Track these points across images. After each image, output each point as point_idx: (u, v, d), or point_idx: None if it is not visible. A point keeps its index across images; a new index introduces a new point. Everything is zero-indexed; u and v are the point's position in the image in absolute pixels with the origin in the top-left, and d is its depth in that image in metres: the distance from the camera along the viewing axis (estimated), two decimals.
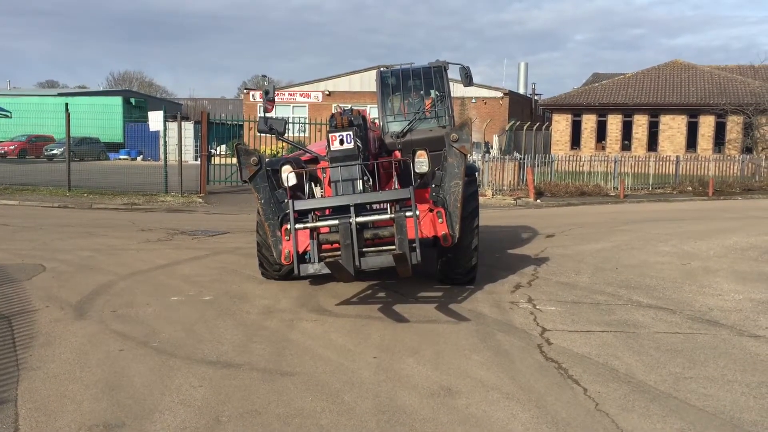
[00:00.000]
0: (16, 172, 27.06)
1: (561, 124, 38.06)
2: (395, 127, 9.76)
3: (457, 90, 43.45)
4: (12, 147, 44.10)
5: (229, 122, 26.91)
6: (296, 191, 7.62)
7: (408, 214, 6.90)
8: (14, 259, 9.91)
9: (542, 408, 4.78)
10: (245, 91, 44.73)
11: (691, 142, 36.25)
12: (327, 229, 7.07)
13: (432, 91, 10.11)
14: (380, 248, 7.01)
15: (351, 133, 7.41)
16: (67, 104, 21.19)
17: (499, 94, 43.22)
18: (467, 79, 10.15)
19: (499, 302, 7.79)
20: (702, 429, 4.48)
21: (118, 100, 49.44)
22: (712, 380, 5.40)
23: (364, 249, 6.95)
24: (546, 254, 11.17)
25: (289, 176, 7.66)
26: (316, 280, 8.57)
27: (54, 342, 6.15)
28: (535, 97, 51.78)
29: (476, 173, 9.04)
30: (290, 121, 29.52)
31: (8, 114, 38.64)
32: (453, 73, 10.46)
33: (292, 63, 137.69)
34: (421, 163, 8.27)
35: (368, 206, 7.27)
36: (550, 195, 22.06)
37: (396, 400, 4.88)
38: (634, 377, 5.43)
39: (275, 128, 8.81)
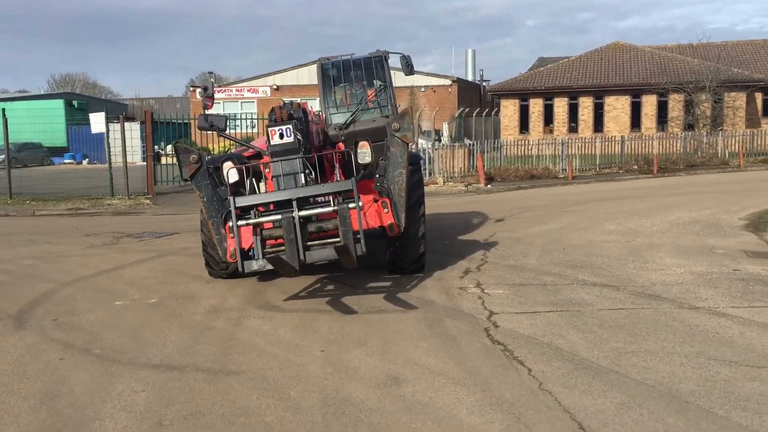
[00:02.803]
0: None
1: (509, 110, 38.44)
2: (338, 118, 9.71)
3: (406, 79, 43.57)
4: None
5: (175, 121, 26.44)
6: (239, 188, 7.52)
7: (351, 205, 6.88)
8: None
9: (487, 391, 4.82)
10: (191, 88, 44.05)
11: (635, 122, 36.99)
12: (270, 225, 7.01)
13: (374, 82, 10.08)
14: (325, 241, 6.97)
15: (291, 126, 7.33)
16: (3, 109, 20.48)
17: (448, 82, 43.47)
18: (408, 68, 10.12)
19: (447, 289, 7.82)
20: (641, 401, 4.56)
21: (59, 103, 48.19)
22: (653, 353, 5.51)
23: (309, 243, 6.90)
24: (495, 239, 11.27)
25: (230, 172, 7.56)
26: (265, 276, 8.48)
27: None
28: (484, 84, 52.16)
29: (420, 161, 9.05)
30: (239, 117, 29.24)
31: None
32: (396, 62, 10.44)
33: (242, 59, 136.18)
34: (364, 153, 8.26)
35: (312, 200, 7.23)
36: (500, 180, 22.27)
37: (342, 392, 4.86)
38: (577, 355, 5.51)
39: (216, 125, 8.71)
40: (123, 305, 7.55)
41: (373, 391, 4.87)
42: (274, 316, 6.92)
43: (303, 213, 6.87)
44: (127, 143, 20.18)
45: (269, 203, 7.13)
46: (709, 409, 4.42)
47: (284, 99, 8.84)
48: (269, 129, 7.37)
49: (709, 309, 6.78)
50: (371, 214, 7.63)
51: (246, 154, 8.80)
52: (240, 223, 6.83)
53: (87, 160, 42.06)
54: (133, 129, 29.74)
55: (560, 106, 37.77)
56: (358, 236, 6.81)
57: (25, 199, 19.75)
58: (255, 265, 6.76)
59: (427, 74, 43.45)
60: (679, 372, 5.09)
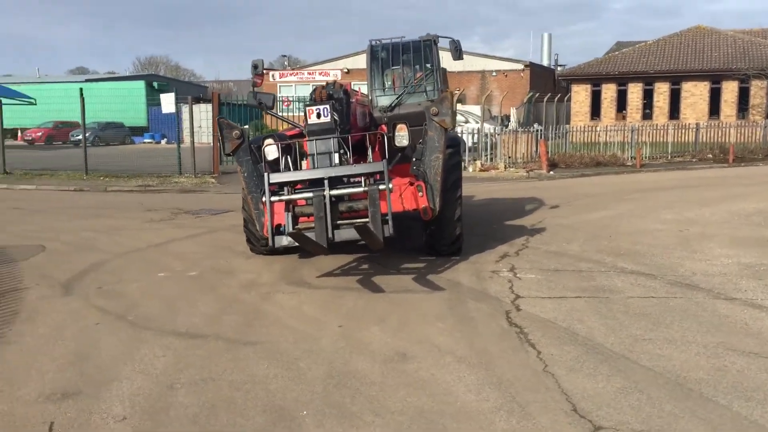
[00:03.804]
0: (40, 158, 27.70)
1: (580, 95, 37.55)
2: (384, 101, 9.81)
3: (476, 64, 43.18)
4: (39, 134, 45.10)
5: (242, 102, 27.01)
6: (278, 165, 7.72)
7: (381, 187, 6.97)
8: (17, 241, 10.19)
9: (491, 370, 4.86)
10: (265, 71, 44.85)
11: (714, 109, 35.55)
12: (304, 202, 7.19)
13: (423, 65, 10.11)
14: (354, 221, 7.09)
15: (328, 106, 7.46)
16: (81, 89, 21.41)
17: (520, 67, 42.85)
18: (456, 53, 10.13)
19: (479, 272, 7.83)
20: (643, 387, 4.51)
21: (141, 84, 49.94)
22: (671, 341, 5.42)
23: (339, 221, 7.04)
24: (543, 224, 11.16)
25: (267, 149, 7.77)
26: (305, 254, 8.68)
27: (35, 318, 6.37)
28: (559, 69, 51.12)
29: (460, 145, 9.05)
30: (300, 99, 29.62)
31: (33, 101, 39.30)
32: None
33: (320, 43, 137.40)
34: (402, 137, 8.34)
35: (346, 179, 7.36)
36: (564, 166, 21.88)
37: (349, 366, 4.99)
38: (592, 340, 5.47)
39: (264, 102, 8.98)
40: (165, 276, 7.88)
41: (378, 366, 4.97)
42: (303, 292, 7.10)
43: (334, 192, 7.02)
44: (202, 124, 20.74)
45: (305, 181, 7.31)
46: (712, 397, 4.34)
47: (328, 80, 8.94)
48: (307, 108, 7.52)
49: (744, 300, 6.59)
50: (407, 196, 7.72)
51: (290, 133, 9.02)
52: (273, 199, 7.03)
53: (165, 139, 43.48)
54: (203, 110, 30.63)
55: (634, 92, 36.65)
56: (387, 218, 6.90)
57: (100, 176, 20.63)
58: (285, 240, 6.97)
59: (499, 58, 42.92)
60: (693, 361, 4.99)
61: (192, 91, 41.67)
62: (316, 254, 7.88)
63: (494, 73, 42.46)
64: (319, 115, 7.44)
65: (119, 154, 30.41)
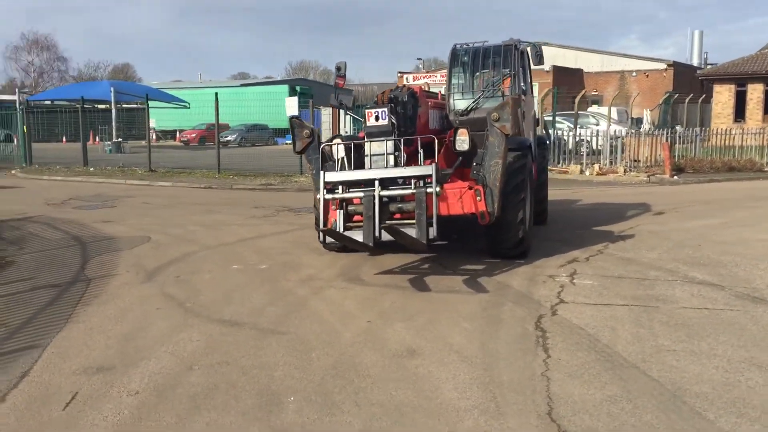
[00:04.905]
0: (187, 158, 29.88)
1: (723, 96, 35.20)
2: (461, 104, 9.91)
3: (617, 63, 41.66)
4: (193, 135, 48.59)
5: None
6: (344, 165, 8.06)
7: (429, 190, 7.15)
8: (132, 233, 11.20)
9: (489, 371, 4.92)
10: (398, 74, 45.69)
11: None
12: (359, 201, 7.50)
13: (503, 70, 10.10)
14: (402, 221, 7.31)
15: (386, 110, 7.72)
16: (216, 94, 22.96)
17: (662, 66, 40.83)
18: (537, 58, 10.12)
19: (535, 276, 7.78)
20: (634, 397, 4.42)
21: (284, 89, 52.37)
22: (695, 353, 5.21)
23: (389, 222, 7.28)
24: (633, 231, 10.78)
25: (336, 149, 8.13)
26: (375, 251, 8.94)
27: (110, 301, 7.08)
28: (707, 68, 48.19)
29: (529, 148, 8.98)
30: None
31: (186, 105, 42.39)
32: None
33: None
34: (462, 141, 8.46)
35: (400, 181, 7.58)
36: (691, 171, 20.74)
37: (356, 359, 5.23)
38: (611, 348, 5.36)
39: (344, 102, 9.39)
40: (237, 269, 8.44)
41: (383, 361, 5.17)
42: (352, 288, 7.39)
43: (384, 193, 7.28)
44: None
45: (362, 181, 7.61)
46: (701, 411, 4.19)
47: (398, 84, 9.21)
48: (366, 111, 7.82)
49: None
50: (466, 200, 7.83)
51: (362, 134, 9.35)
52: (327, 197, 7.40)
53: None
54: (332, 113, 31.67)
55: None
56: (431, 220, 7.06)
57: (230, 174, 22.01)
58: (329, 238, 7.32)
59: (640, 58, 41.16)
60: (705, 374, 4.80)
61: (339, 95, 43.06)
62: (359, 251, 8.19)
63: (634, 74, 40.79)
64: (377, 118, 7.73)
65: (255, 154, 32.14)
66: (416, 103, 8.49)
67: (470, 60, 10.20)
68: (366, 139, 7.80)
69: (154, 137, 50.88)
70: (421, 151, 7.80)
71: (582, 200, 15.23)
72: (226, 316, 6.46)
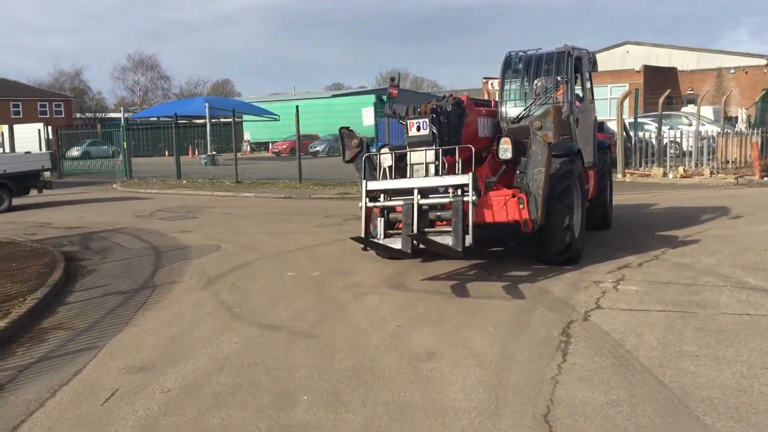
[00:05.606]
0: (273, 168, 30.85)
1: None
2: (513, 112, 9.96)
3: (713, 61, 40.04)
4: (284, 146, 50.02)
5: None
6: (391, 173, 8.29)
7: (466, 198, 7.29)
8: (204, 242, 11.82)
9: (500, 374, 5.03)
10: (483, 79, 45.49)
11: None
12: (400, 209, 7.72)
13: (556, 78, 10.07)
14: (440, 229, 7.49)
15: (427, 120, 7.91)
16: (297, 107, 23.74)
17: (763, 62, 38.90)
18: (590, 64, 10.07)
19: (579, 282, 7.76)
20: (638, 401, 4.44)
21: (371, 99, 53.04)
22: (716, 359, 5.15)
23: (427, 229, 7.47)
24: (699, 236, 10.48)
25: (383, 158, 8.37)
26: (427, 258, 9.13)
27: (169, 306, 7.59)
28: None
29: (577, 154, 8.91)
30: None
31: (276, 117, 43.78)
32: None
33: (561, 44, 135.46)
34: (504, 149, 8.53)
35: (441, 190, 7.75)
36: None
37: (376, 361, 5.44)
38: (631, 354, 5.36)
39: (398, 112, 9.63)
40: (291, 276, 8.82)
41: (400, 364, 5.37)
42: (393, 294, 7.60)
43: (423, 201, 7.47)
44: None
45: (405, 190, 7.82)
46: (701, 416, 4.18)
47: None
48: (408, 121, 8.03)
49: None
50: (510, 208, 7.92)
51: None
52: (369, 204, 7.67)
53: None
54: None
55: None
56: (468, 228, 7.19)
57: (310, 184, 22.65)
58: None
59: (739, 54, 39.41)
60: (719, 379, 4.75)
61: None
62: (399, 258, 8.40)
63: (732, 70, 39.06)
64: (419, 128, 7.92)
65: (338, 163, 32.71)
66: (462, 113, 8.62)
67: (523, 67, 10.22)
68: (408, 149, 8.01)
69: (248, 149, 53.02)
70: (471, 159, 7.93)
71: (657, 204, 14.84)
72: (267, 320, 6.81)
